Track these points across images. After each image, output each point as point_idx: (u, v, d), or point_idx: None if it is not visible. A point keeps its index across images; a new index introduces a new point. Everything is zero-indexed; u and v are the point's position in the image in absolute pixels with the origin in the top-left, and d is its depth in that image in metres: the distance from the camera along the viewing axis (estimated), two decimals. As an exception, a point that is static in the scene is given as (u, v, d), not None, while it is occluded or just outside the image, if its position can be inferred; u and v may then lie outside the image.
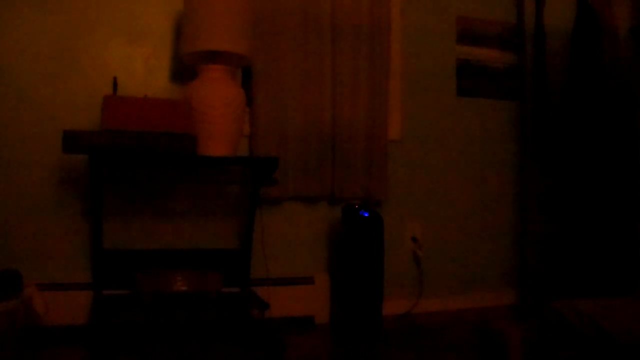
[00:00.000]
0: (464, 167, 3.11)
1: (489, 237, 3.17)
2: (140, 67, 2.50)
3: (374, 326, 2.48)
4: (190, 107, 2.12)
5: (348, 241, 2.52)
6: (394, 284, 2.92)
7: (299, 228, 2.74)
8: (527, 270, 3.18)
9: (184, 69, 2.55)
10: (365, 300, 2.48)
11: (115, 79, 2.16)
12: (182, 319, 2.46)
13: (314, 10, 2.70)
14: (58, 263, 2.37)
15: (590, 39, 2.99)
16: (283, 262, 2.71)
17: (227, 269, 2.52)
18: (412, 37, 3.00)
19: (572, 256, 3.03)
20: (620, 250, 2.94)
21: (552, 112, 3.24)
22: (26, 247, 2.33)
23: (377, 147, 2.79)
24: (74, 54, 2.41)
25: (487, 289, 3.15)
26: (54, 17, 2.38)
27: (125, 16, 2.48)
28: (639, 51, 3.02)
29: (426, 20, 3.04)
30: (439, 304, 3.02)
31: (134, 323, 2.39)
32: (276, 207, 2.70)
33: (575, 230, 3.03)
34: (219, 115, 2.19)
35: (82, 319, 2.29)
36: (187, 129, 2.09)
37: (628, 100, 3.01)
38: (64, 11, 2.39)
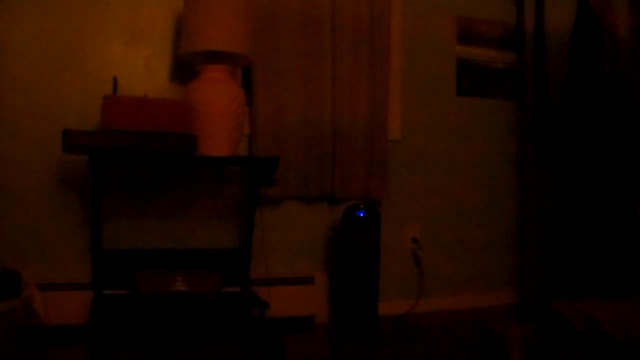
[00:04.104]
0: (464, 167, 3.11)
1: (489, 237, 3.17)
2: (140, 67, 2.50)
3: (370, 326, 2.48)
4: (190, 107, 2.12)
5: (344, 241, 2.52)
6: (395, 284, 2.92)
7: (299, 228, 2.74)
8: (527, 270, 3.18)
9: (184, 69, 2.55)
10: (360, 300, 2.48)
11: (115, 79, 2.16)
12: (182, 319, 2.46)
13: (314, 10, 2.70)
14: (58, 263, 2.37)
15: (590, 40, 2.99)
16: (283, 262, 2.71)
17: (227, 269, 2.52)
18: (412, 37, 3.00)
19: (572, 256, 3.03)
20: (621, 251, 2.94)
21: (552, 113, 3.24)
22: (26, 247, 2.33)
23: (377, 147, 2.79)
24: (74, 54, 2.41)
25: (487, 289, 3.15)
26: (54, 17, 2.38)
27: (125, 16, 2.48)
28: (639, 51, 3.02)
29: (426, 20, 3.04)
30: (439, 304, 3.02)
31: (134, 323, 2.39)
32: (276, 207, 2.70)
33: (575, 231, 3.03)
34: (219, 115, 2.19)
35: (82, 319, 2.29)
36: (187, 129, 2.09)
37: (628, 100, 3.00)
38: (64, 11, 2.39)
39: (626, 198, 2.97)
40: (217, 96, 2.18)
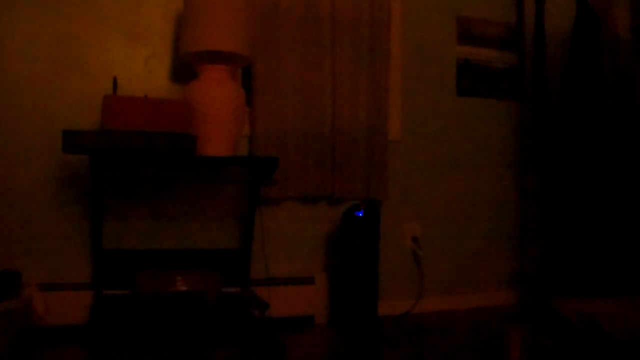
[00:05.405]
0: (464, 167, 3.11)
1: (489, 237, 3.17)
2: (140, 67, 2.50)
3: (370, 326, 2.48)
4: (190, 107, 2.12)
5: (344, 241, 2.52)
6: (394, 284, 2.92)
7: (299, 228, 2.74)
8: (527, 270, 3.18)
9: (184, 69, 2.55)
10: (359, 300, 2.48)
11: (115, 79, 2.16)
12: (182, 319, 2.46)
13: (314, 10, 2.70)
14: (58, 263, 2.37)
15: (589, 39, 2.99)
16: (283, 262, 2.71)
17: (227, 269, 2.52)
18: (412, 37, 3.00)
19: (573, 256, 3.03)
20: (621, 250, 2.94)
21: (552, 112, 3.24)
22: (26, 247, 2.33)
23: (377, 147, 2.79)
24: (74, 54, 2.41)
25: (487, 289, 3.15)
26: (54, 17, 2.38)
27: (125, 16, 2.48)
28: (639, 51, 3.02)
29: (426, 20, 3.04)
30: (439, 304, 3.02)
31: (134, 323, 2.39)
32: (276, 207, 2.70)
33: (575, 230, 3.03)
34: (219, 115, 2.19)
35: (82, 319, 2.29)
36: (187, 129, 2.09)
37: (628, 100, 3.00)
38: (64, 11, 2.39)
39: (626, 198, 2.97)
40: (217, 96, 2.18)
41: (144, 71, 2.50)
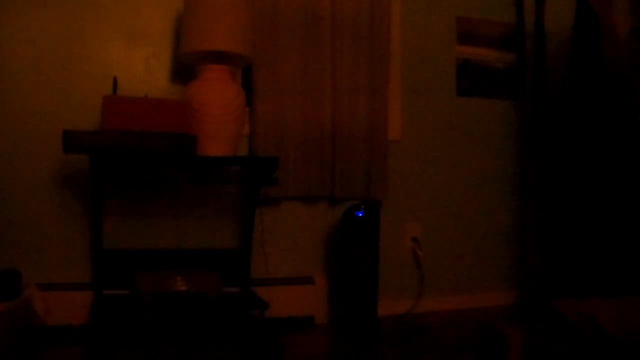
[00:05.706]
0: (464, 167, 3.11)
1: (488, 237, 3.17)
2: (140, 67, 2.50)
3: (369, 326, 2.48)
4: (190, 107, 2.12)
5: (343, 241, 2.52)
6: (394, 284, 2.92)
7: (299, 228, 2.74)
8: (527, 270, 3.18)
9: (184, 69, 2.55)
10: (360, 300, 2.48)
11: (115, 79, 2.16)
12: (182, 319, 2.47)
13: (314, 10, 2.70)
14: (58, 263, 2.37)
15: (589, 39, 2.99)
16: (283, 262, 2.71)
17: (227, 269, 2.52)
18: (412, 37, 3.00)
19: (572, 256, 3.03)
20: (621, 250, 2.94)
21: (552, 112, 3.24)
22: (26, 247, 2.33)
23: (377, 147, 2.79)
24: (74, 54, 2.41)
25: (487, 289, 3.15)
26: (54, 17, 2.38)
27: (125, 16, 2.48)
28: (639, 51, 3.02)
29: (426, 20, 3.04)
30: (439, 304, 3.02)
31: (134, 323, 2.39)
32: (276, 207, 2.70)
33: (575, 230, 3.03)
34: (219, 115, 2.19)
35: (82, 319, 2.29)
36: (187, 129, 2.09)
37: (628, 99, 3.00)
38: (64, 11, 2.39)
39: (626, 197, 2.97)
40: (217, 96, 2.18)
41: (144, 71, 2.50)
